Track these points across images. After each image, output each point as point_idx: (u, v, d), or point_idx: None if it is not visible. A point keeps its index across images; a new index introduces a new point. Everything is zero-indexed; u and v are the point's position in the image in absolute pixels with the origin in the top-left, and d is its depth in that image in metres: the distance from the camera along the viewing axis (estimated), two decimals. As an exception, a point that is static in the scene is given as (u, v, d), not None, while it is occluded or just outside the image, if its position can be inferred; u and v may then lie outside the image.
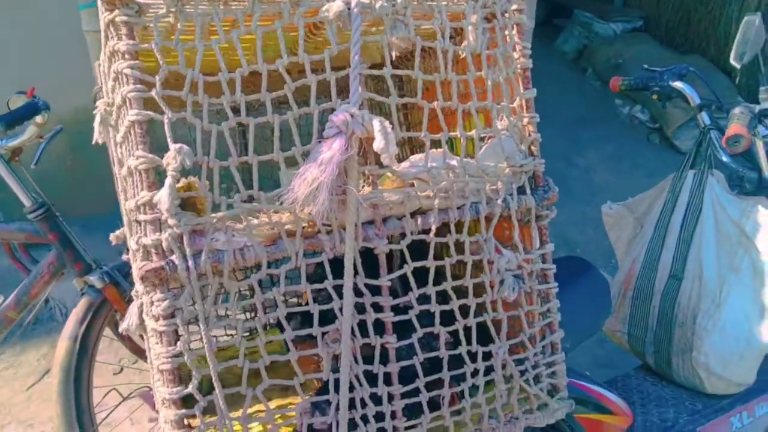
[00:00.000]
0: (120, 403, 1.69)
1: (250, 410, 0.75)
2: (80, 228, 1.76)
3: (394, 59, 1.07)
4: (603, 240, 2.31)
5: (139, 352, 1.72)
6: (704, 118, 1.57)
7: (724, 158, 1.57)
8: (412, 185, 0.79)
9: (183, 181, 0.70)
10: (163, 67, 0.65)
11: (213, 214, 0.69)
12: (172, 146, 0.65)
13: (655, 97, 1.69)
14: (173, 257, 0.66)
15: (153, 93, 0.65)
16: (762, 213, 1.40)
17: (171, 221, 0.66)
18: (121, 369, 2.26)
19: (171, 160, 0.64)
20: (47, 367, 2.23)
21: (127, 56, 0.64)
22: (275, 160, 0.70)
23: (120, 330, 0.83)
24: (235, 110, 0.68)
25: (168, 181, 0.64)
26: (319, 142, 0.70)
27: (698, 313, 1.46)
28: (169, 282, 0.68)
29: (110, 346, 2.32)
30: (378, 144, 0.70)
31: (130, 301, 0.85)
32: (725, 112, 1.54)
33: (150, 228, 0.67)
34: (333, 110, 0.71)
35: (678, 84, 1.62)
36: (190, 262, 0.66)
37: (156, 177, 0.67)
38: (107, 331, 1.70)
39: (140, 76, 0.65)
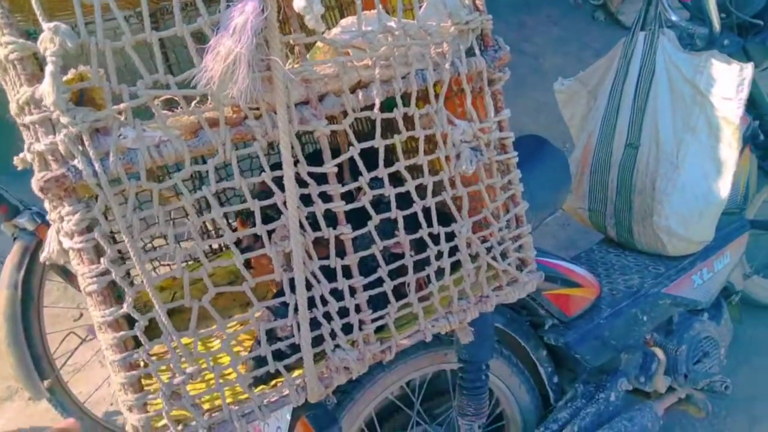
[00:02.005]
0: (79, 346, 1.62)
1: (207, 328, 0.68)
2: (1, 170, 1.60)
3: None
4: (557, 125, 2.27)
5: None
6: (652, -27, 1.49)
7: (674, 17, 1.50)
8: (348, 54, 0.69)
9: (72, 72, 0.58)
10: None
11: (115, 107, 0.58)
12: (46, 25, 0.53)
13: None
14: (75, 162, 0.56)
15: (7, -42, 0.52)
16: (715, 66, 1.36)
17: (64, 119, 0.55)
18: (81, 314, 2.18)
19: (48, 43, 0.53)
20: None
21: None
22: (179, 36, 0.59)
23: (41, 260, 0.73)
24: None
25: (49, 68, 0.53)
26: (228, 6, 0.59)
27: (657, 177, 1.45)
28: (76, 192, 0.58)
29: (66, 291, 2.22)
30: (298, 3, 0.59)
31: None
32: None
33: (41, 131, 0.57)
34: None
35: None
36: (97, 166, 0.57)
37: (35, 68, 0.56)
38: (55, 277, 1.60)
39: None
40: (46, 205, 0.62)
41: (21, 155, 0.82)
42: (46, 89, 0.53)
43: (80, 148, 0.56)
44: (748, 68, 1.33)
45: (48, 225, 1.43)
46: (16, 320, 1.40)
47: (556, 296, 1.30)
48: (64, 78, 0.57)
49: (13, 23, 0.54)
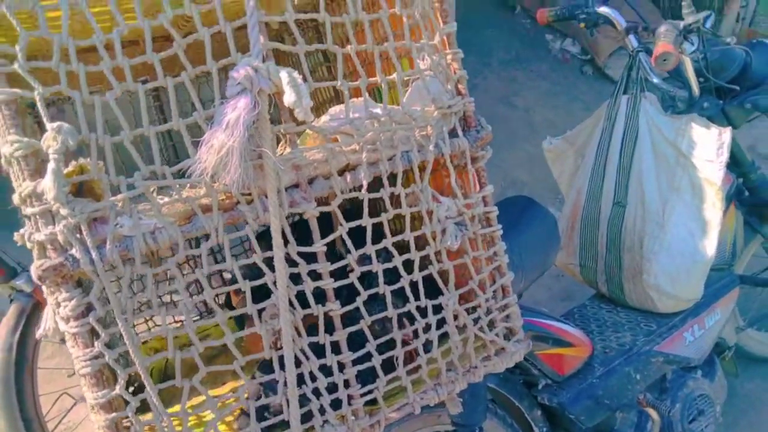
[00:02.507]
0: (73, 407, 1.61)
1: (199, 400, 0.70)
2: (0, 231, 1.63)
3: (303, 8, 0.99)
4: (549, 177, 2.32)
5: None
6: (632, 41, 1.56)
7: (655, 80, 1.57)
8: (336, 141, 0.73)
9: (73, 165, 0.62)
10: (23, 34, 0.55)
11: (113, 197, 0.61)
12: (50, 125, 0.56)
13: (582, 25, 1.67)
14: (73, 251, 0.59)
15: (16, 66, 0.56)
16: (695, 129, 1.41)
17: (63, 210, 0.58)
18: (74, 372, 2.15)
19: (50, 142, 0.56)
20: (-12, 384, 2.10)
21: (-25, 26, 0.55)
22: (175, 130, 0.63)
23: (37, 337, 0.75)
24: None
25: (51, 165, 0.56)
26: (222, 103, 0.63)
27: (644, 236, 1.48)
28: (73, 279, 0.60)
29: (61, 349, 2.21)
30: (288, 98, 0.63)
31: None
32: (652, 33, 1.53)
33: (41, 221, 0.59)
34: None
35: (603, 9, 1.60)
36: (94, 254, 0.59)
37: (38, 163, 0.59)
38: (48, 338, 1.60)
39: (-3, 47, 0.56)
40: (44, 290, 0.64)
41: (21, 232, 0.85)
42: (47, 185, 0.57)
43: (78, 237, 0.59)
44: (727, 132, 1.38)
45: (45, 288, 1.45)
46: (9, 384, 1.40)
47: (549, 356, 1.31)
48: (65, 171, 0.60)
49: (19, 123, 0.58)
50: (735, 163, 1.63)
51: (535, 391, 1.34)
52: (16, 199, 0.61)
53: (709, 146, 1.38)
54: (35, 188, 0.58)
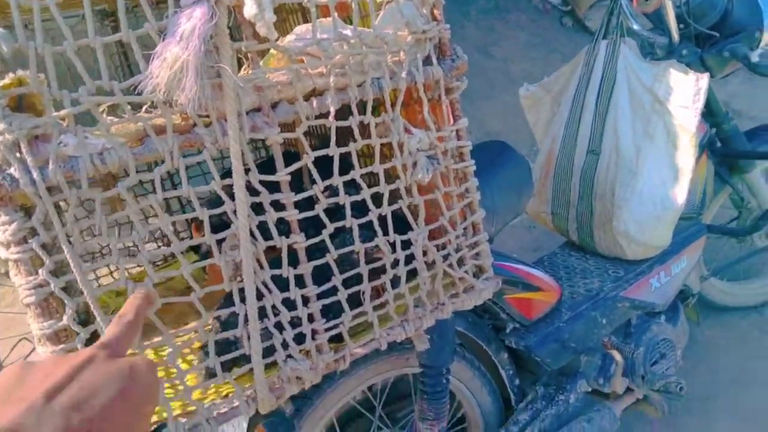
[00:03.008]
0: (31, 352, 1.57)
1: (157, 339, 0.67)
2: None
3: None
4: (525, 128, 2.30)
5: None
6: (614, -17, 1.52)
7: (635, 26, 1.53)
8: (302, 62, 0.69)
9: (9, 77, 0.56)
10: None
11: (56, 114, 0.56)
12: (-21, 29, 0.51)
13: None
14: (11, 170, 0.54)
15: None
16: (673, 76, 1.39)
17: (0, 126, 0.53)
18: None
19: (-20, 47, 0.51)
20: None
21: None
22: (126, 41, 0.57)
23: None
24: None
25: (-18, 73, 0.51)
26: (176, 12, 0.58)
27: (616, 184, 1.47)
28: (13, 200, 0.56)
29: (16, 296, 2.15)
30: (249, 10, 0.58)
31: None
32: (634, -24, 1.49)
33: (-25, 138, 0.54)
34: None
35: (587, -51, 1.54)
36: (36, 174, 0.55)
37: (-31, 73, 0.54)
38: (7, 280, 1.55)
39: None
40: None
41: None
42: (-20, 95, 0.51)
43: (17, 155, 0.54)
44: (704, 78, 1.36)
45: None
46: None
47: (518, 300, 1.32)
48: (1, 83, 0.55)
49: (-55, 25, 0.52)
50: (709, 113, 1.62)
51: (503, 334, 1.35)
52: (-54, 113, 0.56)
53: (685, 92, 1.37)
54: (-34, 100, 0.52)
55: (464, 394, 1.29)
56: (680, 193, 1.42)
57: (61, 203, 0.58)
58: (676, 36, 1.52)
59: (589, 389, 1.43)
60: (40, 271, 0.57)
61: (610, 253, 1.58)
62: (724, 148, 1.69)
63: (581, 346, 1.38)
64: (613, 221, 1.48)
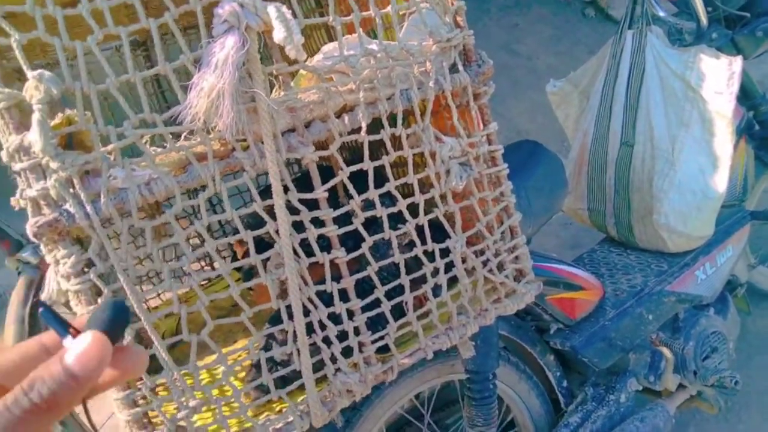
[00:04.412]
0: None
1: (210, 358, 0.69)
2: (4, 204, 1.62)
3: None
4: (554, 124, 2.28)
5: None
6: (636, -28, 1.49)
7: (661, 13, 1.51)
8: (331, 80, 0.70)
9: (60, 116, 0.59)
10: (-7, -23, 0.52)
11: (105, 149, 0.59)
12: (30, 73, 0.54)
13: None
14: (67, 205, 0.57)
15: (-12, 12, 0.53)
16: (704, 61, 1.36)
17: (53, 164, 0.56)
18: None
19: (33, 91, 0.54)
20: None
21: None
22: (163, 73, 0.60)
23: (43, 300, 0.74)
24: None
25: (35, 116, 0.54)
26: (209, 43, 0.60)
27: (654, 175, 1.44)
28: (70, 234, 0.59)
29: (71, 319, 2.23)
30: (278, 34, 0.60)
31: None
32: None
33: (32, 177, 0.57)
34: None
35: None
36: (89, 208, 0.57)
37: (23, 116, 0.57)
38: (61, 307, 1.61)
39: (-35, -8, 0.53)
40: (42, 248, 0.62)
41: (17, 196, 0.83)
42: (33, 137, 0.54)
43: (71, 191, 0.57)
44: (737, 61, 1.33)
45: (51, 258, 1.45)
46: (23, 354, 1.41)
47: (560, 300, 1.30)
48: (52, 123, 0.58)
49: (-1, 74, 0.55)
50: (745, 96, 1.58)
51: (547, 336, 1.33)
52: (3, 156, 0.59)
53: (718, 77, 1.34)
54: (22, 142, 0.55)
55: (512, 398, 1.28)
56: (720, 181, 1.39)
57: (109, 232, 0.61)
58: (704, 20, 1.48)
59: (640, 388, 1.40)
60: (99, 299, 0.59)
61: (651, 247, 1.54)
62: (764, 131, 1.64)
63: (628, 344, 1.35)
64: (653, 213, 1.45)
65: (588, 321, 1.34)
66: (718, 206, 1.42)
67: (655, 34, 1.45)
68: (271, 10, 0.60)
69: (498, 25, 3.61)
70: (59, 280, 0.63)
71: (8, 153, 0.58)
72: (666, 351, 1.38)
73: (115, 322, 0.35)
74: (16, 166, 0.57)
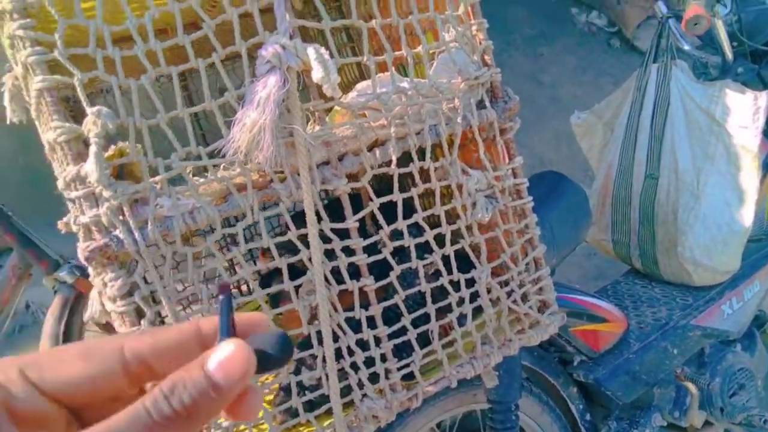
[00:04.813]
0: (116, 394, 1.66)
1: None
2: (44, 225, 1.68)
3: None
4: (578, 154, 2.30)
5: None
6: (661, 7, 1.52)
7: (686, 47, 1.53)
8: (364, 116, 0.74)
9: (112, 149, 0.63)
10: (61, 22, 0.57)
11: (152, 179, 0.63)
12: (90, 110, 0.58)
13: (609, -6, 1.62)
14: (117, 232, 0.61)
15: (56, 54, 0.58)
16: (730, 95, 1.37)
17: (106, 193, 0.60)
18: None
19: (91, 126, 0.58)
20: (39, 371, 2.19)
21: (15, 15, 0.57)
22: (208, 110, 0.64)
23: (84, 320, 0.78)
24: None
25: (92, 149, 0.58)
26: (252, 82, 0.64)
27: (678, 208, 1.45)
28: (118, 259, 0.62)
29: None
30: (316, 74, 0.64)
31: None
32: (682, -2, 1.49)
33: (85, 204, 0.61)
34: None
35: (631, -24, 1.55)
36: (137, 235, 0.61)
37: (80, 148, 0.61)
38: (93, 326, 1.65)
39: (36, 36, 0.57)
40: (90, 270, 0.66)
41: (64, 220, 0.88)
42: (90, 168, 0.59)
43: (121, 218, 0.61)
44: (763, 96, 1.34)
45: (86, 278, 1.51)
46: (57, 371, 1.46)
47: (583, 332, 1.30)
48: (105, 155, 0.62)
49: (60, 109, 0.60)
50: (772, 130, 1.58)
51: (571, 368, 1.33)
52: (60, 184, 0.63)
53: (744, 112, 1.34)
54: (78, 172, 0.60)
55: (534, 430, 1.27)
56: (747, 215, 1.38)
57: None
58: (729, 55, 1.50)
59: (665, 423, 1.38)
60: (142, 321, 0.62)
61: (676, 280, 1.54)
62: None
63: (653, 378, 1.34)
64: (678, 246, 1.45)
65: (612, 354, 1.34)
66: (745, 240, 1.42)
67: (680, 67, 1.47)
68: (311, 51, 0.64)
69: (523, 54, 3.66)
70: (104, 301, 0.67)
71: (65, 182, 0.62)
72: (691, 386, 1.36)
73: (277, 349, 0.31)
74: (72, 194, 0.62)
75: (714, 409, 1.38)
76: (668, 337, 1.37)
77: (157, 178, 0.62)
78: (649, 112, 1.51)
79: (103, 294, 0.65)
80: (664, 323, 1.41)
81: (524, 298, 0.86)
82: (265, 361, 0.30)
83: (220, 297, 0.32)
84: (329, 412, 0.72)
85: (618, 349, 1.34)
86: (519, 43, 3.73)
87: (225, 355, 0.29)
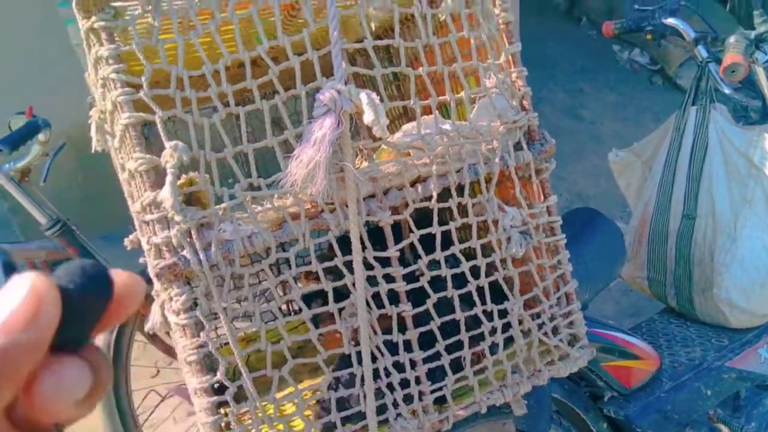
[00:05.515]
0: (159, 403, 1.75)
1: (281, 394, 0.78)
2: (99, 241, 1.80)
3: (377, 32, 1.07)
4: (616, 190, 2.31)
5: (172, 353, 1.77)
6: (701, 51, 1.55)
7: (726, 90, 1.54)
8: (409, 155, 0.80)
9: (184, 178, 0.71)
10: (148, 67, 0.66)
11: (217, 206, 0.70)
12: (168, 144, 0.66)
13: (649, 37, 1.66)
14: (184, 252, 0.68)
15: (141, 94, 0.66)
16: (769, 141, 1.38)
17: (177, 217, 0.67)
18: (158, 371, 2.32)
19: (169, 158, 0.66)
20: (86, 379, 2.29)
21: (110, 61, 0.65)
22: (269, 146, 0.71)
23: (146, 330, 0.86)
24: (226, 103, 0.70)
25: (168, 178, 0.66)
26: (310, 122, 0.71)
27: (715, 249, 1.45)
28: (184, 276, 0.70)
29: (145, 351, 2.38)
30: (368, 117, 0.70)
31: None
32: (722, 42, 1.52)
33: (158, 227, 0.69)
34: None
35: (671, 21, 1.59)
36: (202, 255, 0.68)
37: (157, 177, 0.69)
38: (139, 336, 1.74)
39: (126, 79, 0.66)
40: (157, 286, 0.74)
41: (131, 237, 0.96)
42: (165, 194, 0.66)
43: (189, 240, 0.68)
44: (803, 142, 1.35)
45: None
46: (107, 379, 1.55)
47: (615, 368, 1.32)
48: (178, 183, 0.70)
49: (142, 142, 0.68)
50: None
51: (601, 403, 1.34)
52: (137, 207, 0.71)
53: (783, 157, 1.35)
54: (155, 198, 0.67)
55: (562, 462, 1.28)
56: (786, 259, 1.38)
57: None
58: (770, 99, 1.51)
59: (697, 465, 1.37)
60: (201, 334, 0.69)
61: (712, 321, 1.53)
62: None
63: (685, 418, 1.34)
64: (714, 288, 1.45)
65: (643, 391, 1.34)
66: (784, 284, 1.41)
67: (719, 111, 1.49)
68: (363, 96, 0.70)
69: (564, 90, 3.70)
70: (167, 314, 0.74)
71: (141, 206, 0.70)
72: (725, 429, 1.35)
73: (83, 279, 0.23)
74: (147, 217, 0.70)
75: (749, 454, 1.36)
76: (702, 377, 1.37)
77: (222, 205, 0.70)
78: (687, 153, 1.53)
79: (168, 307, 0.72)
80: (698, 363, 1.41)
81: (555, 330, 0.90)
82: (72, 300, 0.22)
83: None
84: (365, 429, 0.76)
85: (650, 387, 1.35)
86: (559, 78, 3.78)
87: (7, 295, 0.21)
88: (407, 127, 0.84)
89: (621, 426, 1.33)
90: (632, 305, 2.43)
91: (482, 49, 0.85)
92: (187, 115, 0.68)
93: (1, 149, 1.40)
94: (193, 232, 0.68)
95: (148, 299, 1.56)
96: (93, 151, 0.82)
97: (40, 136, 1.48)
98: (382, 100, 0.73)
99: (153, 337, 1.78)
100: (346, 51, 0.88)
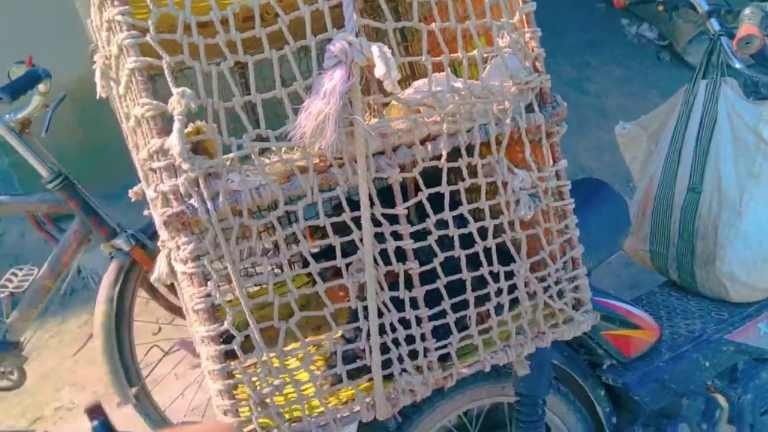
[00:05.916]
0: (162, 357, 1.76)
1: (287, 347, 0.78)
2: (100, 197, 1.79)
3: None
4: (619, 164, 2.30)
5: (174, 310, 1.78)
6: (713, 24, 1.52)
7: (737, 65, 1.52)
8: (419, 112, 0.79)
9: (191, 126, 0.70)
10: (154, 11, 0.64)
11: (225, 156, 0.69)
12: (175, 90, 0.65)
13: (660, 8, 1.63)
14: (192, 201, 0.68)
15: (148, 38, 0.65)
16: (779, 115, 1.37)
17: (185, 165, 0.67)
18: (160, 328, 2.34)
19: (176, 104, 0.65)
20: (89, 333, 2.32)
21: (116, 2, 0.64)
22: (278, 97, 0.70)
23: (151, 280, 0.86)
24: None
25: (176, 125, 0.65)
26: (320, 74, 0.70)
27: (719, 223, 1.45)
28: (191, 225, 0.69)
29: (146, 308, 2.39)
30: (379, 70, 0.69)
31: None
32: (735, 16, 1.49)
33: (165, 174, 0.68)
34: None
35: (684, -9, 1.56)
36: (209, 204, 0.68)
37: (164, 124, 0.68)
38: (142, 292, 1.75)
39: (132, 21, 0.65)
40: (163, 235, 0.73)
41: (135, 189, 0.96)
42: (173, 142, 0.65)
43: (196, 189, 0.68)
44: (813, 117, 1.33)
45: (141, 246, 1.60)
46: (110, 332, 1.56)
47: (615, 337, 1.32)
48: (186, 131, 0.69)
49: (149, 87, 0.67)
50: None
51: (600, 371, 1.35)
52: (143, 154, 0.70)
53: (793, 132, 1.34)
54: (162, 145, 0.67)
55: (560, 428, 1.30)
56: (790, 234, 1.38)
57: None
58: (782, 75, 1.49)
59: (692, 435, 1.39)
60: (208, 283, 0.69)
61: (713, 294, 1.53)
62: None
63: (682, 388, 1.35)
64: (716, 261, 1.45)
65: (642, 360, 1.35)
66: (786, 259, 1.41)
67: (730, 85, 1.47)
68: (375, 49, 0.69)
69: (570, 62, 3.65)
70: (174, 263, 0.74)
71: (148, 153, 0.69)
72: (721, 399, 1.37)
73: None
74: (154, 165, 0.69)
75: (743, 424, 1.38)
76: (701, 349, 1.38)
77: (229, 155, 0.69)
78: (695, 127, 1.51)
79: (175, 256, 0.72)
80: (697, 335, 1.41)
81: (560, 294, 0.90)
82: None
83: (94, 423, 0.28)
84: (370, 382, 0.77)
85: (649, 357, 1.36)
86: (567, 50, 3.73)
87: None
88: (418, 83, 0.83)
89: (619, 393, 1.34)
90: (632, 278, 2.44)
91: (495, 7, 0.83)
92: (195, 62, 0.67)
93: (1, 98, 1.37)
94: (200, 181, 0.68)
95: (153, 258, 1.56)
96: (97, 97, 0.81)
97: (41, 87, 1.46)
98: (393, 55, 0.72)
99: (155, 293, 1.79)
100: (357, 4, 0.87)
